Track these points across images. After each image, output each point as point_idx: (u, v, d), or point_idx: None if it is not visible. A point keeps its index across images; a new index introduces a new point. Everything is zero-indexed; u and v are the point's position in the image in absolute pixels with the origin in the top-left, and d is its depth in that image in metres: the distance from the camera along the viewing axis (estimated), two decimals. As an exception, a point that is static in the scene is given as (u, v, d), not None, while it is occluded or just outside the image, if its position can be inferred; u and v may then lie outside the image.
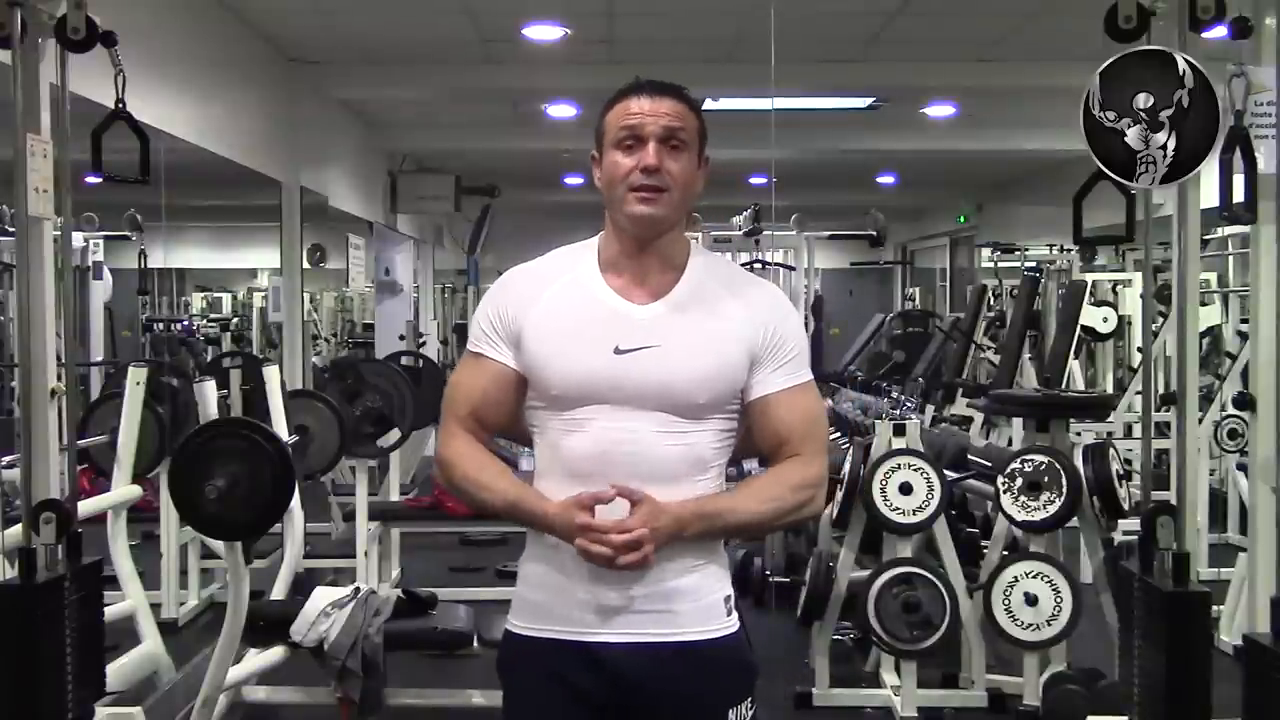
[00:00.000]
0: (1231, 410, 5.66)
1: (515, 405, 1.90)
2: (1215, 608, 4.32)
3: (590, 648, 1.81)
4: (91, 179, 2.74)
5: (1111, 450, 4.26)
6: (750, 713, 1.88)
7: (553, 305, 1.86)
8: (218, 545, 4.32)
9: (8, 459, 4.00)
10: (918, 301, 13.99)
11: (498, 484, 1.86)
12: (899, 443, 4.20)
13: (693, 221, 1.95)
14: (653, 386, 1.80)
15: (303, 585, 4.35)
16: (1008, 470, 4.10)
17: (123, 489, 4.19)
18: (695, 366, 1.82)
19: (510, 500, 1.85)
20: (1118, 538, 4.69)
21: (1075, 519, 4.14)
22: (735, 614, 1.89)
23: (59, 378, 2.59)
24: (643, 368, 1.80)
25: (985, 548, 4.50)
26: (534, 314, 1.86)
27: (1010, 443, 6.84)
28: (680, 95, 1.87)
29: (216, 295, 12.41)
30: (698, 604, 1.84)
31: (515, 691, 1.92)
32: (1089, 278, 7.76)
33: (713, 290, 1.88)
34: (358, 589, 3.82)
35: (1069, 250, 8.28)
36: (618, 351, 1.81)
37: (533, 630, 1.86)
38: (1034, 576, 4.02)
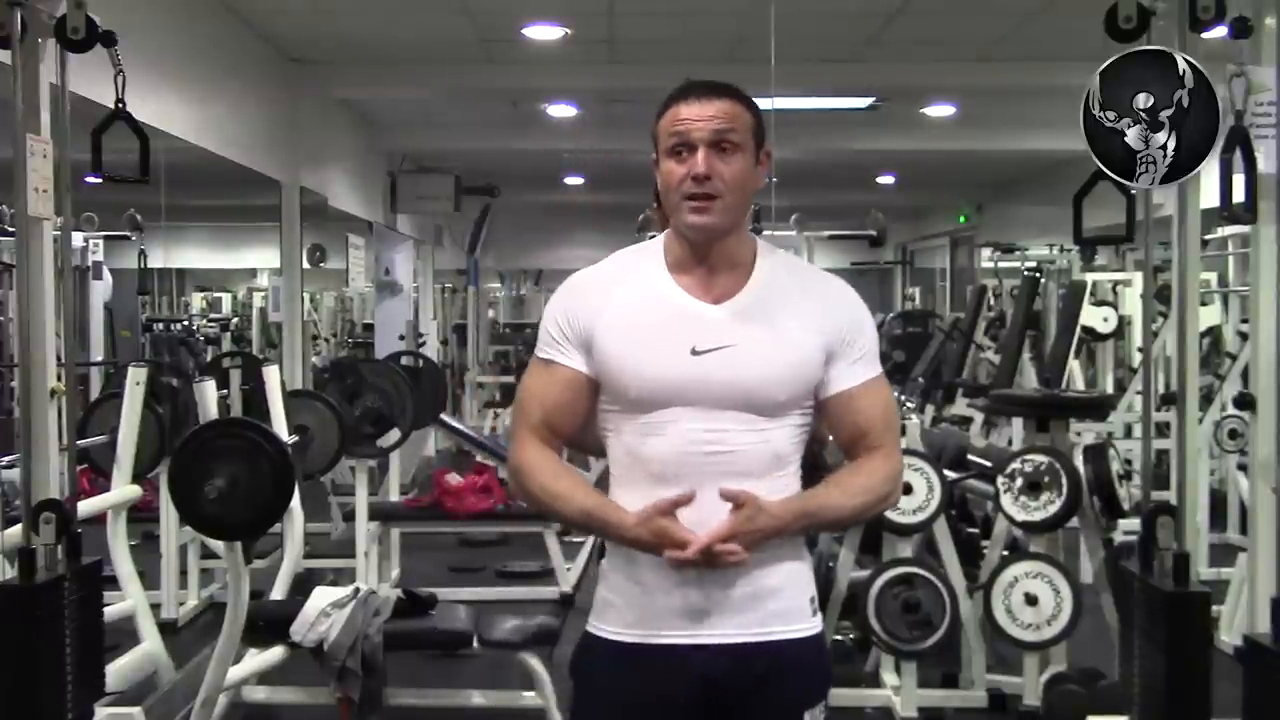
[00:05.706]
0: (1231, 410, 5.64)
1: (587, 411, 1.87)
2: (1215, 608, 4.31)
3: (677, 650, 1.80)
4: (91, 179, 2.74)
5: (1111, 450, 4.25)
6: (823, 716, 1.87)
7: (624, 307, 1.84)
8: (218, 545, 4.31)
9: (8, 459, 4.01)
10: (918, 301, 14.00)
11: (574, 495, 1.83)
12: (899, 443, 4.19)
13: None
14: (733, 386, 1.78)
15: (303, 585, 4.34)
16: (1008, 470, 4.10)
17: (123, 489, 4.19)
18: (773, 365, 1.81)
19: (586, 510, 1.82)
20: (1118, 538, 4.68)
21: (1075, 519, 4.13)
22: (819, 615, 1.89)
23: (59, 378, 2.59)
24: (721, 368, 1.79)
25: (985, 548, 4.50)
26: (606, 316, 1.83)
27: (1010, 443, 6.83)
28: (731, 94, 1.83)
29: (216, 295, 12.43)
30: (785, 604, 1.83)
31: (592, 693, 1.90)
32: (1089, 278, 7.74)
33: (784, 288, 1.86)
34: (358, 589, 3.82)
35: (1069, 250, 8.28)
36: (695, 353, 1.79)
37: (616, 634, 1.85)
38: (1034, 576, 4.01)
